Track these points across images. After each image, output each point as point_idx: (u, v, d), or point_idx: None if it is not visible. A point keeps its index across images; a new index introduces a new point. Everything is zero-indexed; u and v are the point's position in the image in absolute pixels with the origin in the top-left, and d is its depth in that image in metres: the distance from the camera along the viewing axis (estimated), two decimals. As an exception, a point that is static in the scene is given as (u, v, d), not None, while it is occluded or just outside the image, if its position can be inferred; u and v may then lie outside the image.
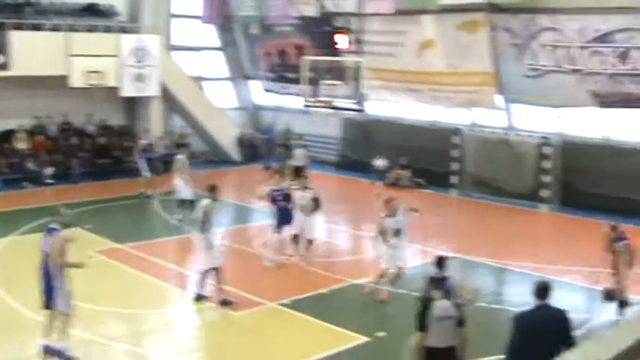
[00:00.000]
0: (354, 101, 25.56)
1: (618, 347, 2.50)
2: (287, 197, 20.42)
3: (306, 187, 20.76)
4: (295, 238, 20.57)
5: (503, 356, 10.55)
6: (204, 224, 16.85)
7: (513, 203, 28.49)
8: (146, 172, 28.36)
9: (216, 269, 16.92)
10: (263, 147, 37.58)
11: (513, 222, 26.63)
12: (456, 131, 30.64)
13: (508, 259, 21.10)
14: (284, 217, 20.32)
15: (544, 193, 28.01)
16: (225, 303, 16.79)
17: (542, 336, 9.98)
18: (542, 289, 10.42)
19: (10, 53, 29.77)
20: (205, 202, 17.26)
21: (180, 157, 25.30)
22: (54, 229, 13.91)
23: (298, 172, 28.04)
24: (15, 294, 17.12)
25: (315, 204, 20.47)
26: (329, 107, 27.25)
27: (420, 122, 33.25)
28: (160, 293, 18.22)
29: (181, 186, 24.60)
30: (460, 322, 10.86)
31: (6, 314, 16.31)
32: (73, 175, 31.59)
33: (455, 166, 30.37)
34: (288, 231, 20.47)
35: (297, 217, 20.24)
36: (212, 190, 17.35)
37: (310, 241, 20.69)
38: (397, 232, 17.60)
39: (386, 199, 18.49)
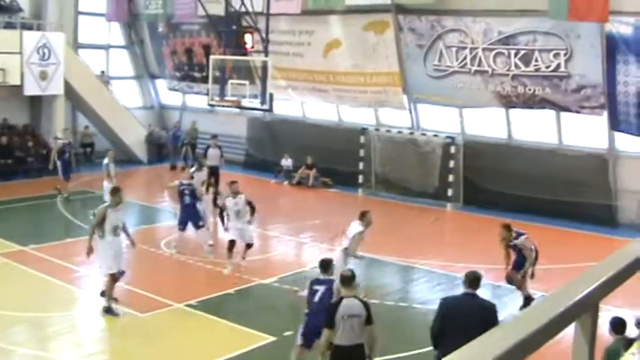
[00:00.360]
0: (260, 101, 25.53)
1: (508, 343, 2.57)
2: (193, 193, 20.44)
3: (237, 193, 20.23)
4: (231, 245, 20.06)
5: (409, 353, 10.73)
6: (96, 228, 16.47)
7: (419, 202, 28.83)
8: (63, 174, 27.78)
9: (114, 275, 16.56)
10: (169, 146, 37.33)
11: (419, 221, 26.92)
12: (362, 131, 30.87)
13: (414, 258, 21.35)
14: (187, 214, 20.35)
15: (449, 191, 28.41)
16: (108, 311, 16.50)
17: (463, 323, 9.96)
18: (473, 279, 10.67)
19: None
20: (101, 206, 17.07)
21: (107, 161, 25.27)
22: None
23: (213, 172, 27.84)
24: None
25: (251, 208, 20.27)
26: (236, 106, 27.21)
27: (326, 122, 33.41)
28: (64, 296, 17.96)
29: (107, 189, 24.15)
30: (368, 321, 10.95)
31: None
32: (-26, 176, 31.00)
33: (361, 165, 30.59)
34: (190, 229, 20.71)
35: (233, 223, 20.01)
36: (112, 193, 17.12)
37: (249, 246, 20.40)
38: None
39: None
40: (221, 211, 21.27)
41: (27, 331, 15.74)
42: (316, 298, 12.59)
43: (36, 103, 35.37)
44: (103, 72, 37.47)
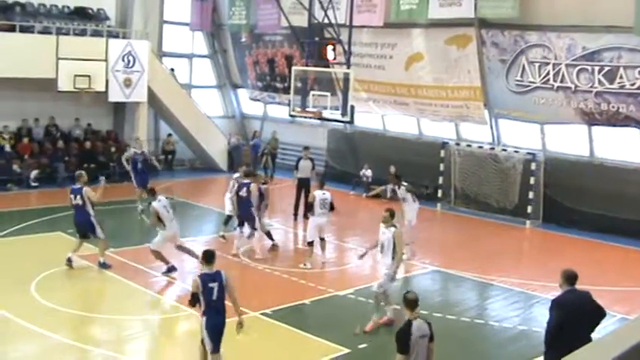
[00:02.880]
0: (341, 112, 25.54)
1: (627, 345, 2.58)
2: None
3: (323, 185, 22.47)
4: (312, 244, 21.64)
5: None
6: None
7: (498, 218, 28.55)
8: (138, 183, 27.89)
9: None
10: (249, 156, 37.54)
11: (498, 237, 26.68)
12: (442, 145, 30.69)
13: (492, 275, 21.12)
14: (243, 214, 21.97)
15: (529, 208, 28.08)
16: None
17: (581, 313, 11.10)
18: (573, 276, 11.38)
19: (-2, 54, 29.74)
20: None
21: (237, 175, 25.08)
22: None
23: (303, 185, 27.93)
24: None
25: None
26: (317, 118, 27.23)
27: (406, 135, 33.30)
28: (141, 299, 18.17)
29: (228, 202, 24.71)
30: (431, 338, 10.94)
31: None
32: (58, 179, 31.52)
33: (441, 180, 30.40)
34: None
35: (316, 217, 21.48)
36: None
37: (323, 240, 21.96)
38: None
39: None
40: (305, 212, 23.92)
41: (104, 332, 15.94)
42: (214, 296, 12.47)
43: (120, 109, 35.96)
44: (172, 69, 37.74)
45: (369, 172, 32.81)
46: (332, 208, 21.67)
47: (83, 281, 17.10)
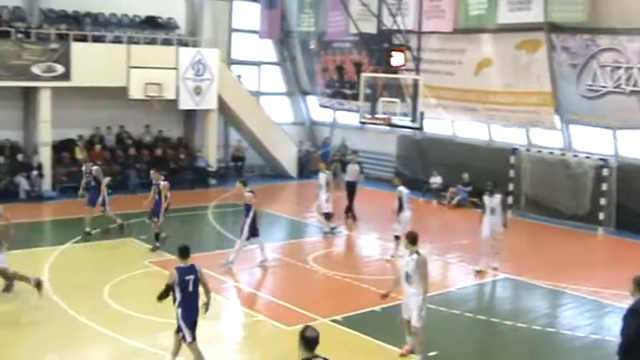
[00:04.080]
0: (411, 119, 25.48)
1: None
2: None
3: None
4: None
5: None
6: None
7: (569, 225, 28.20)
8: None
9: None
10: (319, 162, 37.50)
11: (569, 244, 26.34)
12: (512, 151, 30.41)
13: (563, 282, 20.86)
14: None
15: (600, 215, 27.70)
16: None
17: None
18: None
19: (71, 64, 30.24)
20: None
21: (326, 173, 26.16)
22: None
23: (350, 188, 28.42)
24: (69, 300, 17.34)
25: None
26: (387, 124, 27.19)
27: (475, 141, 33.09)
28: (213, 305, 18.27)
29: (322, 201, 25.92)
30: None
31: (61, 319, 16.58)
32: (130, 186, 31.92)
33: (511, 186, 30.10)
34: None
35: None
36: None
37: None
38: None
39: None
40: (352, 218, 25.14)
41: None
42: (190, 288, 13.11)
43: (190, 117, 36.31)
44: (239, 76, 37.95)
45: (438, 179, 32.67)
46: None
47: (154, 286, 17.14)
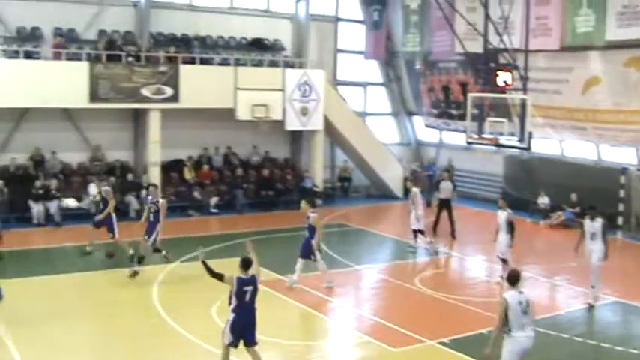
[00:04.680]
0: (519, 139, 25.22)
1: None
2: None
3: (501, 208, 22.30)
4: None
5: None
6: None
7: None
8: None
9: None
10: (425, 183, 37.38)
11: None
12: (622, 171, 29.78)
13: (676, 306, 20.35)
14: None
15: None
16: None
17: None
18: None
19: (180, 86, 30.82)
20: None
21: (415, 190, 26.43)
22: None
23: (444, 205, 28.93)
24: (179, 319, 17.59)
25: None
26: (494, 145, 26.96)
27: (584, 161, 32.51)
28: (318, 326, 18.36)
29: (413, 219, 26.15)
30: None
31: (170, 338, 16.86)
32: (237, 206, 32.28)
33: (621, 206, 29.45)
34: None
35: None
36: None
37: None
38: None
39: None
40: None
41: (281, 357, 16.15)
42: (247, 297, 13.77)
43: (296, 137, 36.60)
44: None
45: (545, 200, 32.20)
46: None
47: (260, 305, 17.34)
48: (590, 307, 20.01)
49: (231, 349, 13.81)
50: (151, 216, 22.10)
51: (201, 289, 19.99)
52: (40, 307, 18.65)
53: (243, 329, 13.80)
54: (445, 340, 16.93)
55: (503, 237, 22.10)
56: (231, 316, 13.78)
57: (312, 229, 21.20)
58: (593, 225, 20.16)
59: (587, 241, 20.25)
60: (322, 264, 21.24)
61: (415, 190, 26.26)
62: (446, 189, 28.90)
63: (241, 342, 13.72)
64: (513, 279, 13.00)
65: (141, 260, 22.07)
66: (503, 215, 22.24)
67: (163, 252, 22.45)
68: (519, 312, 12.76)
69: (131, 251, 22.54)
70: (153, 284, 21.02)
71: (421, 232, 26.00)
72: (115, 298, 19.89)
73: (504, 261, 21.99)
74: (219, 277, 13.86)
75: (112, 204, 23.64)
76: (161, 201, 22.57)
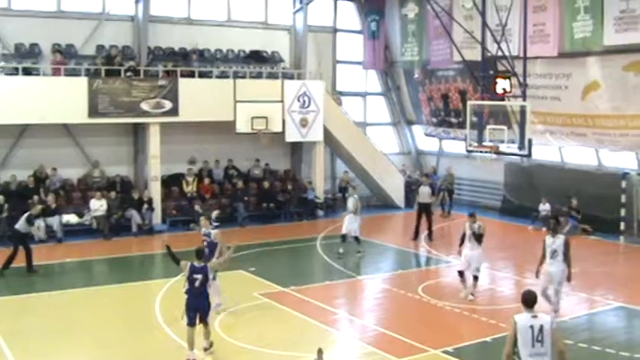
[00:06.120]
0: (519, 146, 25.20)
1: None
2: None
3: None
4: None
5: None
6: None
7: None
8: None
9: None
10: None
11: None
12: (623, 176, 29.76)
13: (682, 311, 20.30)
14: None
15: None
16: None
17: None
18: None
19: (179, 100, 30.86)
20: None
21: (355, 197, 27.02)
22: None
23: (423, 210, 29.47)
24: (178, 332, 17.54)
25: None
26: (494, 152, 26.93)
27: (584, 167, 32.50)
28: (321, 337, 18.30)
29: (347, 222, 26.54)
30: None
31: (169, 350, 16.90)
32: (238, 218, 32.26)
33: (623, 212, 29.43)
34: None
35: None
36: None
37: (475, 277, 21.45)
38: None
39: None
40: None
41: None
42: (196, 284, 15.91)
43: (297, 149, 36.61)
44: (340, 92, 38.55)
45: (547, 206, 32.13)
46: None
47: (264, 318, 17.31)
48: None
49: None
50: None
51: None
52: (43, 322, 18.70)
53: (195, 310, 15.83)
54: (449, 349, 16.87)
55: (475, 251, 21.12)
56: (185, 297, 15.97)
57: (212, 246, 19.18)
58: (555, 241, 18.56)
59: (547, 260, 18.64)
60: (215, 285, 18.54)
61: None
62: (424, 193, 29.26)
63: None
64: (527, 301, 11.47)
65: None
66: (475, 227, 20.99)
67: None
68: (529, 338, 11.06)
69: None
70: (156, 297, 21.05)
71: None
72: (118, 313, 19.90)
73: (475, 278, 21.43)
74: (176, 262, 16.45)
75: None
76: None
